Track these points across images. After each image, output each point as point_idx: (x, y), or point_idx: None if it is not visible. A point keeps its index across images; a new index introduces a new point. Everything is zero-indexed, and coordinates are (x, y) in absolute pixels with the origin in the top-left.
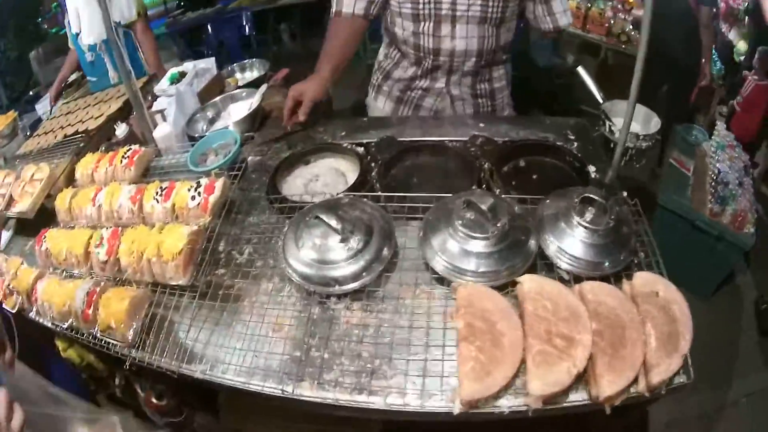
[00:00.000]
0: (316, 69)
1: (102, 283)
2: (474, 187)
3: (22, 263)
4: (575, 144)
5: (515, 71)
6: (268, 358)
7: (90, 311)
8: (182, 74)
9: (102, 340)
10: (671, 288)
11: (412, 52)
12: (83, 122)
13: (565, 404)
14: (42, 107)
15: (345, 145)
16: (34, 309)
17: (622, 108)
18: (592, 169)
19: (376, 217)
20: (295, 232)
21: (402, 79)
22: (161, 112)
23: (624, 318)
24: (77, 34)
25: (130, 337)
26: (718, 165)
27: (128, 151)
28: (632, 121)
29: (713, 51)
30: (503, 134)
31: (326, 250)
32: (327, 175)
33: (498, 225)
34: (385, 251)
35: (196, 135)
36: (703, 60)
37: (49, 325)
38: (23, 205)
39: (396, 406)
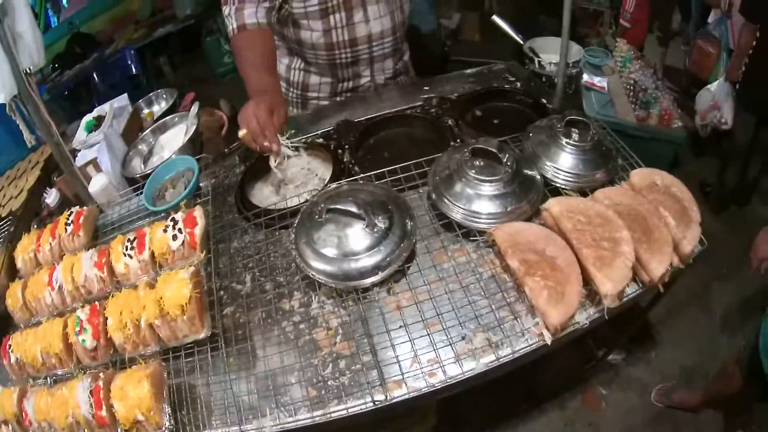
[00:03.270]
0: (254, 88)
1: (102, 375)
2: (452, 143)
3: None
4: (518, 84)
5: None
6: (338, 377)
7: (103, 413)
8: (98, 119)
9: None
10: (664, 174)
11: (324, 53)
12: (3, 206)
13: (626, 298)
14: None
15: (303, 140)
16: None
17: (540, 44)
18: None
19: (383, 194)
20: (306, 235)
21: (323, 86)
22: (91, 163)
23: (641, 210)
24: None
25: (166, 424)
26: (632, 76)
27: (70, 215)
28: (550, 55)
29: None
30: (450, 92)
31: (353, 240)
32: (296, 178)
33: (509, 163)
34: (409, 223)
35: (137, 175)
36: None
37: None
38: None
39: (495, 362)
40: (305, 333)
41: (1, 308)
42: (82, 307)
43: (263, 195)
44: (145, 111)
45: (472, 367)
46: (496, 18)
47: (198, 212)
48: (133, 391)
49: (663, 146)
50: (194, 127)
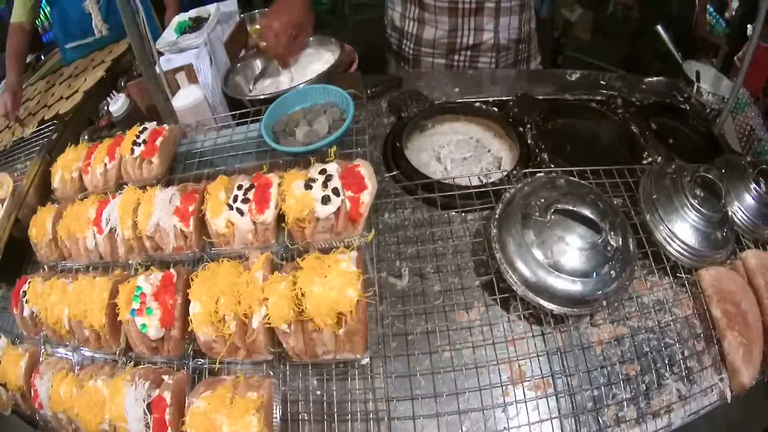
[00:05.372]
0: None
1: (168, 380)
2: (646, 156)
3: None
4: (686, 106)
5: None
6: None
7: None
8: (197, 20)
9: None
10: None
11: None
12: (49, 107)
13: None
14: None
15: (477, 104)
16: (40, 418)
17: (697, 69)
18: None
19: (604, 202)
20: (515, 233)
21: (439, 41)
22: (185, 69)
23: None
24: None
25: None
26: (750, 122)
27: (143, 131)
28: (703, 83)
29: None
30: (629, 93)
31: (580, 256)
32: (461, 146)
33: (723, 201)
34: (631, 242)
35: (246, 98)
36: (698, 9)
37: None
38: None
39: (687, 418)
40: (489, 361)
41: (24, 234)
42: (145, 269)
43: (420, 160)
44: (250, 27)
45: (666, 423)
46: (659, 29)
47: (365, 168)
48: (231, 428)
49: None
50: (335, 55)
